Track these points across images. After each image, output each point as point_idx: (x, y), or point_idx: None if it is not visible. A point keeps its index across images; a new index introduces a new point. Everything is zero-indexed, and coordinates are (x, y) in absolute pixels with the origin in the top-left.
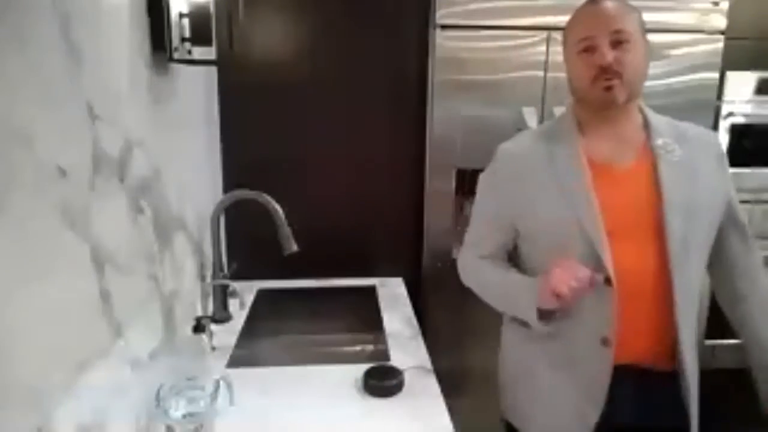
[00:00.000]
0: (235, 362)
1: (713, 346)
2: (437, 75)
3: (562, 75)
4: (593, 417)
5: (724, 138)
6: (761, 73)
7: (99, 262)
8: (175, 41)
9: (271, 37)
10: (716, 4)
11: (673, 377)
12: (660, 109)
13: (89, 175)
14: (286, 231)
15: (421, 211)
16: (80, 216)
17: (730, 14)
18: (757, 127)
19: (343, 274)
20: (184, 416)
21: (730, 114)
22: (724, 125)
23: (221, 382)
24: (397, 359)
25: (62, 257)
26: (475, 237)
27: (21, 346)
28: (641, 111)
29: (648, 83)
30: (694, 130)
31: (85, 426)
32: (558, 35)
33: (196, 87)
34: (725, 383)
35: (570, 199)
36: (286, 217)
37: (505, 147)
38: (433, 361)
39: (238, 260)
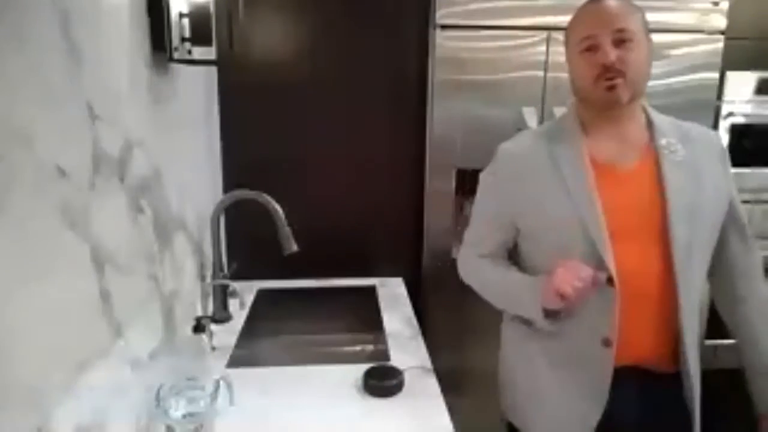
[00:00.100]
0: (235, 362)
1: (715, 347)
2: (437, 75)
3: (562, 75)
4: (594, 417)
5: (724, 138)
6: (761, 73)
7: (99, 262)
8: (175, 41)
9: (271, 37)
10: (716, 4)
11: (675, 378)
12: (660, 109)
13: (89, 175)
14: (286, 231)
15: (421, 211)
16: (80, 216)
17: (730, 14)
18: (757, 127)
19: (343, 274)
20: (184, 416)
21: (730, 114)
22: (724, 125)
23: (221, 382)
24: (397, 359)
25: (62, 257)
26: (475, 236)
27: (21, 346)
28: (644, 110)
29: (648, 83)
30: (696, 129)
31: (85, 426)
32: (558, 35)
33: (196, 87)
34: (727, 383)
35: (572, 199)
36: (286, 217)
37: (506, 147)
38: (433, 361)
39: (238, 260)
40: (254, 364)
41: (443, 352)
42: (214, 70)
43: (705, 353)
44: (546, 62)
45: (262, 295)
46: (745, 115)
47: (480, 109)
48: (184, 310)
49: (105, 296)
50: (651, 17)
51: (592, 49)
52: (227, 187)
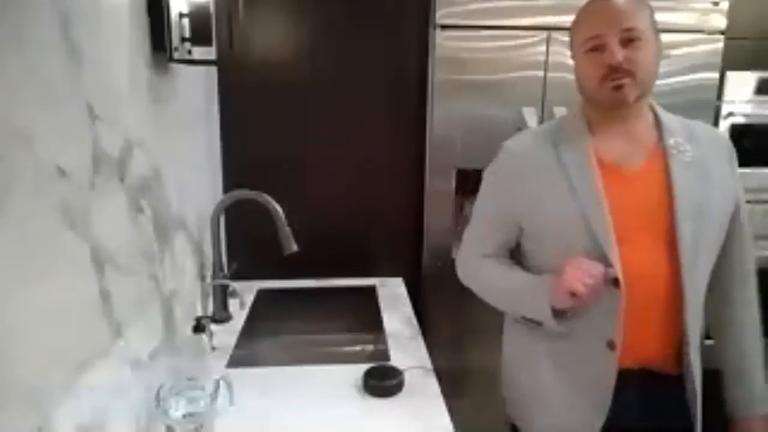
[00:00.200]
0: (235, 362)
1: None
2: (437, 75)
3: (562, 75)
4: (598, 420)
5: None
6: (761, 73)
7: (99, 262)
8: (175, 41)
9: (271, 37)
10: (716, 4)
11: (678, 380)
12: None
13: (89, 175)
14: (286, 231)
15: (421, 211)
16: (80, 216)
17: (730, 14)
18: (757, 127)
19: (343, 274)
20: (184, 416)
21: (730, 114)
22: (724, 125)
23: (221, 382)
24: (397, 359)
25: (62, 257)
26: (476, 236)
27: (21, 346)
28: (652, 109)
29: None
30: (705, 129)
31: (85, 426)
32: (558, 35)
33: (196, 87)
34: None
35: (579, 199)
36: (286, 217)
37: (509, 145)
38: (433, 361)
39: (238, 260)
40: (254, 364)
41: (443, 352)
42: (214, 70)
43: (704, 353)
44: (546, 62)
45: (262, 295)
46: (745, 115)
47: (480, 109)
48: (184, 310)
49: (105, 296)
50: None
51: (599, 49)
52: (227, 187)
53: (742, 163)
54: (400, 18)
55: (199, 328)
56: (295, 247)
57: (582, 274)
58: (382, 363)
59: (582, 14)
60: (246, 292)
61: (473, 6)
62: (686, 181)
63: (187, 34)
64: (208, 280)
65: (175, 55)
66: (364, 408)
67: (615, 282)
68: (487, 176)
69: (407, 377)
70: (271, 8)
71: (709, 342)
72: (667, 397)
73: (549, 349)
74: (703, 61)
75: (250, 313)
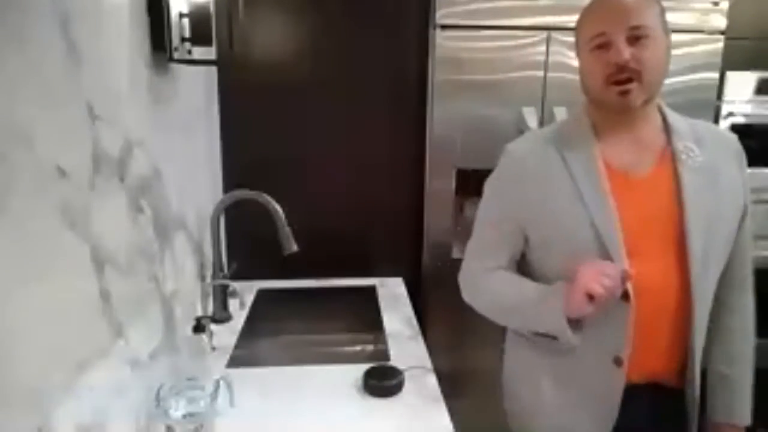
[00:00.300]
0: (235, 362)
1: None
2: (437, 75)
3: (562, 75)
4: None
5: None
6: (761, 73)
7: (99, 262)
8: (175, 41)
9: (271, 37)
10: (716, 4)
11: (681, 392)
12: None
13: (89, 175)
14: (286, 231)
15: (421, 211)
16: (80, 216)
17: (730, 14)
18: (757, 127)
19: (343, 274)
20: (184, 416)
21: (730, 114)
22: (724, 125)
23: (221, 382)
24: (397, 359)
25: (62, 257)
26: (480, 247)
27: (21, 346)
28: (660, 111)
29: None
30: (712, 130)
31: (85, 426)
32: (558, 35)
33: (196, 87)
34: None
35: (586, 208)
36: (286, 217)
37: (512, 148)
38: (433, 361)
39: (238, 260)
40: (254, 364)
41: (443, 352)
42: (214, 70)
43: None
44: (546, 62)
45: (262, 295)
46: (745, 115)
47: (480, 109)
48: (184, 310)
49: (105, 296)
50: None
51: (604, 46)
52: (227, 187)
53: None
54: (400, 18)
55: (199, 328)
56: (295, 247)
57: (598, 274)
58: (382, 363)
59: (588, 11)
60: (246, 292)
61: (473, 6)
62: (696, 189)
63: (187, 34)
64: (208, 280)
65: (175, 55)
66: (364, 408)
67: (624, 295)
68: (491, 182)
69: (407, 377)
70: (271, 8)
71: None
72: (672, 411)
73: (553, 365)
74: (703, 61)
75: (250, 313)
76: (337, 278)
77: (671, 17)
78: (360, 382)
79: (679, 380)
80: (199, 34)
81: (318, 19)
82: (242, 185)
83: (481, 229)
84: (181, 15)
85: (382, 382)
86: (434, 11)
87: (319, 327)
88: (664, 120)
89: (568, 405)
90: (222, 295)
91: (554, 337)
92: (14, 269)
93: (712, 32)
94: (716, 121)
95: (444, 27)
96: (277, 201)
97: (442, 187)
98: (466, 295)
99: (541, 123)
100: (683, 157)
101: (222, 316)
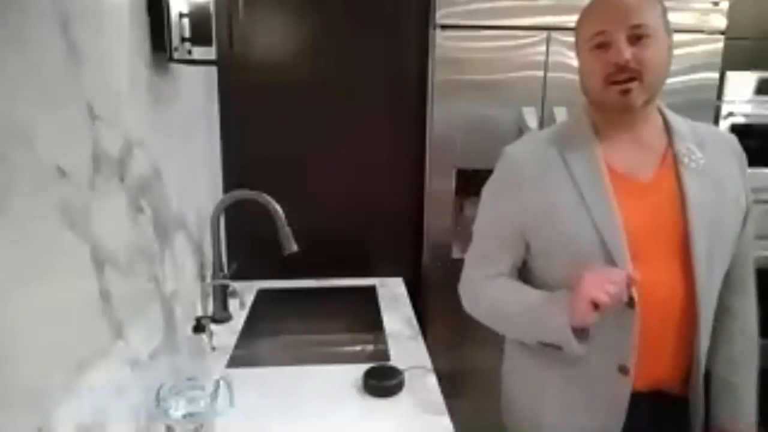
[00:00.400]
0: (235, 362)
1: None
2: (437, 75)
3: (562, 75)
4: None
5: None
6: (761, 73)
7: (99, 262)
8: (175, 41)
9: (271, 37)
10: (716, 4)
11: (685, 399)
12: None
13: (89, 175)
14: (286, 231)
15: (421, 211)
16: (80, 216)
17: (730, 14)
18: (757, 127)
19: (343, 274)
20: (184, 416)
21: (730, 114)
22: (724, 125)
23: (221, 382)
24: (397, 359)
25: (62, 257)
26: (479, 255)
27: (21, 346)
28: (660, 112)
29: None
30: (713, 132)
31: (85, 426)
32: (558, 35)
33: (196, 87)
34: None
35: (589, 212)
36: (286, 217)
37: (511, 151)
38: (433, 361)
39: (238, 260)
40: (254, 364)
41: (443, 352)
42: (214, 70)
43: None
44: (546, 62)
45: (262, 295)
46: (745, 115)
47: (480, 109)
48: (184, 310)
49: (105, 296)
50: None
51: (604, 46)
52: (227, 187)
53: None
54: (400, 18)
55: (199, 328)
56: (295, 247)
57: (602, 281)
58: (382, 363)
59: (588, 10)
60: (246, 292)
61: (473, 6)
62: (700, 193)
63: (187, 34)
64: (208, 280)
65: (175, 55)
66: (364, 408)
67: (630, 302)
68: (490, 186)
69: (407, 377)
70: (271, 8)
71: None
72: (675, 418)
73: (555, 375)
74: (703, 61)
75: (250, 313)
76: (337, 278)
77: (671, 17)
78: (360, 382)
79: (683, 387)
80: (199, 34)
81: (318, 19)
82: (242, 185)
83: (480, 236)
84: (181, 15)
85: (382, 382)
86: (434, 11)
87: (319, 327)
88: (665, 121)
89: (571, 415)
90: (222, 295)
91: (558, 347)
92: (14, 269)
93: (712, 32)
94: (716, 121)
95: (444, 27)
96: (277, 201)
97: (442, 187)
98: (467, 305)
99: (541, 123)
100: (685, 159)
101: (222, 316)
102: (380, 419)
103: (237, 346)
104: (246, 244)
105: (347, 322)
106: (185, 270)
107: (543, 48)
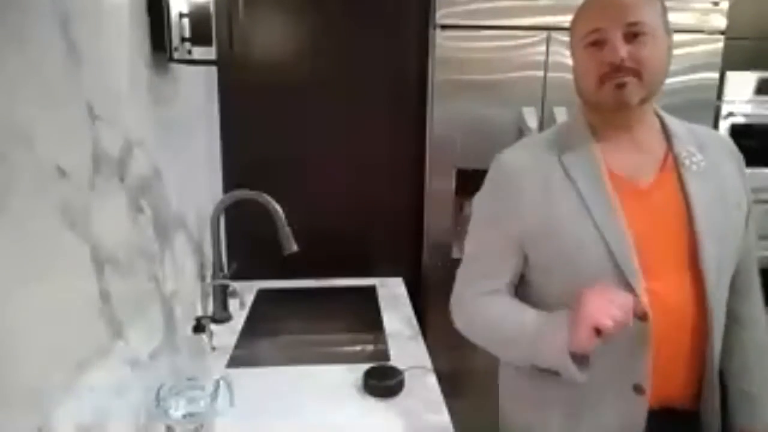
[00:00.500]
0: (235, 362)
1: None
2: (437, 75)
3: (562, 75)
4: None
5: None
6: (761, 73)
7: (99, 262)
8: (175, 41)
9: (271, 37)
10: (716, 4)
11: (696, 414)
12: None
13: (89, 175)
14: (286, 231)
15: (421, 211)
16: (80, 216)
17: (730, 14)
18: (757, 127)
19: (343, 274)
20: (184, 416)
21: (730, 114)
22: (724, 125)
23: (221, 382)
24: (397, 359)
25: (62, 257)
26: (473, 271)
27: (21, 346)
28: (657, 115)
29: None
30: (710, 135)
31: (85, 426)
32: (558, 35)
33: (196, 87)
34: None
35: (593, 221)
36: (286, 217)
37: (506, 159)
38: (433, 361)
39: (238, 260)
40: (254, 364)
41: (443, 352)
42: (214, 70)
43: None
44: (546, 62)
45: (262, 295)
46: (745, 115)
47: (480, 109)
48: (184, 310)
49: (105, 296)
50: None
51: (599, 44)
52: (227, 187)
53: None
54: (400, 18)
55: (199, 328)
56: (295, 247)
57: (608, 305)
58: (382, 363)
59: (583, 7)
60: (246, 292)
61: (473, 6)
62: (702, 196)
63: (187, 34)
64: (208, 280)
65: (175, 55)
66: (364, 408)
67: (643, 317)
68: (482, 197)
69: (407, 377)
70: (271, 8)
71: None
72: None
73: (560, 398)
74: (703, 61)
75: (250, 313)
76: (337, 278)
77: (671, 17)
78: (360, 382)
79: (694, 402)
80: (199, 34)
81: (318, 19)
82: (242, 185)
83: (473, 250)
84: (181, 15)
85: (382, 382)
86: (434, 11)
87: (319, 327)
88: (663, 124)
89: None
90: (222, 295)
91: (557, 373)
92: (14, 269)
93: (712, 32)
94: (716, 121)
95: (444, 27)
96: (277, 201)
97: (442, 187)
98: (460, 325)
99: (541, 123)
100: (686, 162)
101: (222, 316)
102: (380, 419)
103: (237, 346)
104: (246, 244)
105: (347, 322)
106: (185, 270)
107: (543, 48)
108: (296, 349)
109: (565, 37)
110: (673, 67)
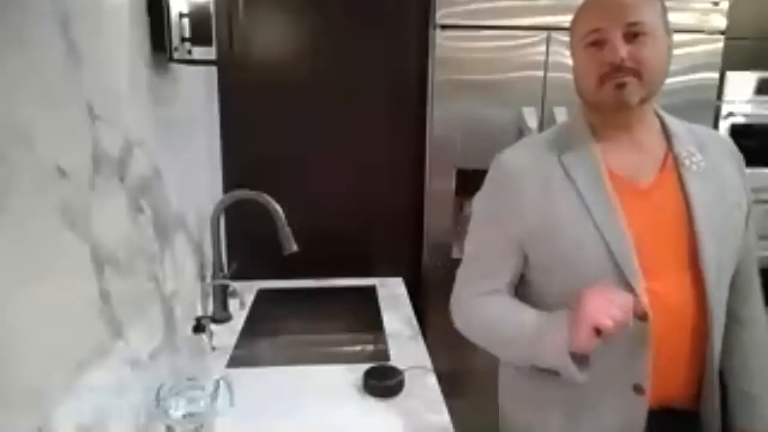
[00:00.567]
0: (235, 362)
1: None
2: (437, 75)
3: (562, 75)
4: None
5: None
6: (761, 73)
7: (99, 262)
8: (175, 41)
9: (271, 37)
10: (716, 4)
11: (696, 414)
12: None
13: (89, 175)
14: (286, 231)
15: (421, 211)
16: (80, 216)
17: (730, 14)
18: (757, 127)
19: (343, 274)
20: (184, 416)
21: (730, 114)
22: (724, 125)
23: (221, 382)
24: (397, 359)
25: (62, 257)
26: (473, 271)
27: (21, 346)
28: (657, 115)
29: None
30: (710, 135)
31: (85, 426)
32: (558, 35)
33: (196, 87)
34: None
35: (593, 221)
36: (286, 217)
37: (506, 159)
38: (433, 361)
39: (238, 260)
40: (254, 364)
41: (443, 352)
42: (214, 70)
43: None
44: (546, 62)
45: (262, 295)
46: (745, 115)
47: (480, 109)
48: (184, 310)
49: (105, 296)
50: None
51: (599, 44)
52: (227, 187)
53: None
54: (400, 18)
55: (199, 328)
56: (295, 247)
57: (608, 305)
58: (382, 363)
59: (583, 7)
60: (246, 292)
61: (473, 6)
62: (703, 196)
63: (187, 34)
64: (208, 280)
65: (175, 55)
66: (364, 408)
67: (643, 317)
68: (481, 197)
69: (407, 377)
70: (271, 8)
71: None
72: None
73: (560, 398)
74: (703, 61)
75: (250, 313)
76: (337, 278)
77: (671, 17)
78: (360, 382)
79: (694, 402)
80: (199, 34)
81: (318, 19)
82: (242, 185)
83: (473, 250)
84: (181, 15)
85: (382, 382)
86: (434, 11)
87: (319, 327)
88: (662, 124)
89: None
90: (222, 295)
91: (557, 373)
92: (14, 269)
93: (712, 32)
94: (716, 121)
95: (444, 27)
96: (277, 201)
97: (442, 187)
98: (459, 325)
99: (541, 123)
100: (687, 162)
101: (222, 316)
102: (380, 419)
103: (237, 346)
104: (246, 244)
105: (347, 322)
106: (185, 270)
107: (543, 48)
108: (296, 349)
109: (565, 37)
110: (673, 67)
